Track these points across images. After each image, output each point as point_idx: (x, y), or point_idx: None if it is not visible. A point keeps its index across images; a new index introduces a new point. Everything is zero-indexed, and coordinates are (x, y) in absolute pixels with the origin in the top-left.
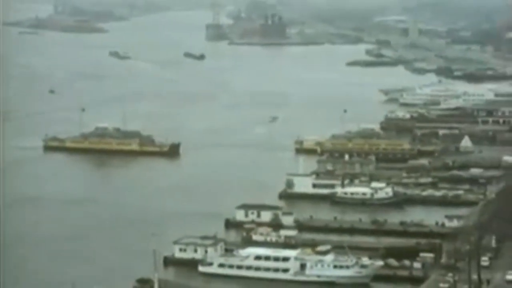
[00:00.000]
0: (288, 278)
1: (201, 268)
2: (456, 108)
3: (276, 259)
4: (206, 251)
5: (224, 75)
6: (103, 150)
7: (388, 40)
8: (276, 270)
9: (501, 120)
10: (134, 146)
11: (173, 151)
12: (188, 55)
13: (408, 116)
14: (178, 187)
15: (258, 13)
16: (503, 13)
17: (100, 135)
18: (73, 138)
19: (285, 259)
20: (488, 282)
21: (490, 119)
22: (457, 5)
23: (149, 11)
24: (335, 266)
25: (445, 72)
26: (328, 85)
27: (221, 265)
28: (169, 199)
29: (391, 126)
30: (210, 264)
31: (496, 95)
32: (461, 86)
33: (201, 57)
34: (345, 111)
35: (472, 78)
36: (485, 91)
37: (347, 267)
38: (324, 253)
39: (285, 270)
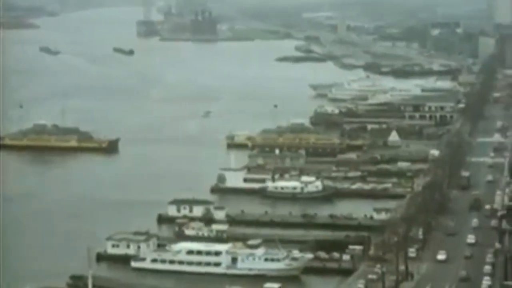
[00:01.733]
0: (220, 271)
1: (133, 264)
2: (384, 103)
3: (208, 253)
4: (138, 247)
5: (156, 70)
6: (42, 147)
7: (317, 36)
8: (208, 264)
9: (427, 115)
10: (73, 143)
11: (111, 147)
12: (117, 50)
13: (337, 111)
14: (116, 182)
15: (189, 9)
16: (428, 10)
17: (38, 132)
18: (11, 135)
19: (217, 253)
20: (412, 276)
21: (417, 114)
22: (384, 3)
23: (81, 7)
24: (266, 259)
25: (373, 67)
26: (259, 81)
27: (153, 260)
28: (108, 194)
29: (321, 121)
30: (143, 259)
31: (423, 90)
32: (389, 82)
33: (130, 52)
34: (275, 106)
35: (399, 73)
36: (411, 87)
37: (278, 260)
38: (255, 246)
39: (217, 264)
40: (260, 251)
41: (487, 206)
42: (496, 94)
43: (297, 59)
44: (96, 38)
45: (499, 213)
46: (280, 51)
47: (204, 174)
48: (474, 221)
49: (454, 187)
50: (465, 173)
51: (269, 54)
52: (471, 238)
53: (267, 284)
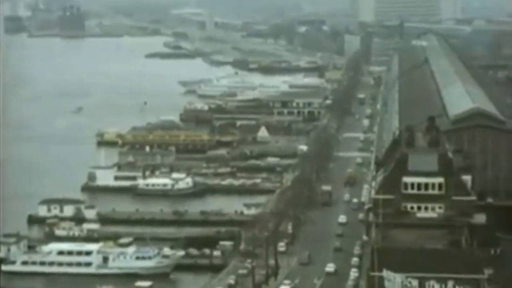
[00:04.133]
0: (91, 271)
1: (4, 267)
2: (253, 100)
3: (79, 253)
4: (9, 249)
5: (24, 67)
6: None
7: (185, 32)
8: (79, 264)
9: (295, 111)
10: None
11: None
12: None
13: (206, 107)
14: None
15: (57, 4)
16: (294, 8)
17: None
18: None
19: (88, 253)
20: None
21: (285, 110)
22: (251, 0)
23: None
24: (137, 258)
25: (241, 64)
26: (128, 77)
27: (24, 263)
28: None
29: (190, 118)
30: (13, 262)
31: (291, 86)
32: (257, 78)
33: None
34: (145, 103)
35: (267, 70)
36: (280, 83)
37: (149, 258)
38: (126, 245)
39: (88, 264)
40: (131, 250)
41: (355, 200)
42: (361, 95)
43: (166, 56)
44: None
45: (366, 206)
46: (149, 47)
47: (75, 173)
48: (342, 217)
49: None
50: (327, 188)
51: (138, 50)
52: (337, 245)
53: (138, 283)
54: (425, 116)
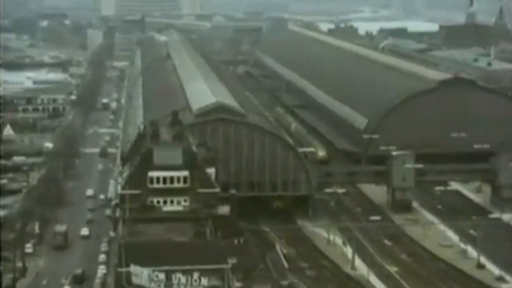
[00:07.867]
0: None
1: None
2: None
3: None
4: None
5: None
6: None
7: None
8: None
9: (40, 108)
10: None
11: None
12: None
13: None
14: None
15: None
16: (36, 1)
17: None
18: None
19: None
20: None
21: (30, 107)
22: None
23: None
24: None
25: None
26: None
27: None
28: None
29: None
30: None
31: (35, 82)
32: (1, 75)
33: None
34: None
35: (11, 66)
36: (24, 79)
37: None
38: None
39: None
40: None
41: (102, 196)
42: (105, 100)
43: None
44: None
45: (113, 202)
46: None
47: None
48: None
49: (69, 179)
50: (61, 228)
51: None
52: (85, 231)
53: None
54: (169, 111)
